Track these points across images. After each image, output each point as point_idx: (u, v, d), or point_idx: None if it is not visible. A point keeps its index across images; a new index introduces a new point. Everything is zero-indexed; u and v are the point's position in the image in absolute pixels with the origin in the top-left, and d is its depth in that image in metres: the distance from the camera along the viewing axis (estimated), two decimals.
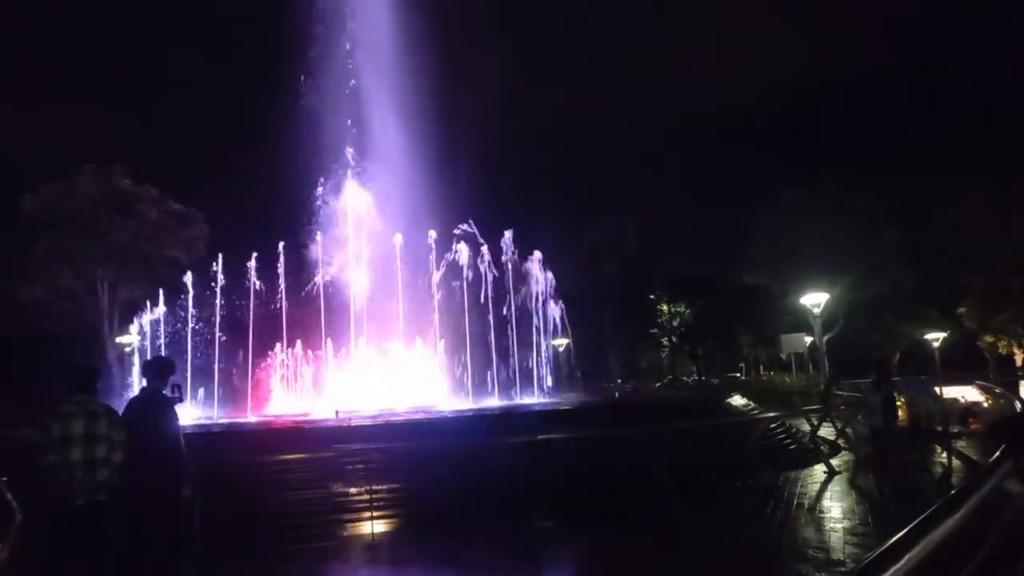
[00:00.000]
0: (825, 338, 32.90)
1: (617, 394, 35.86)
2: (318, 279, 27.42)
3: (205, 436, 13.18)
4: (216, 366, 26.11)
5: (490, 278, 27.99)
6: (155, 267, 37.71)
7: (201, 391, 25.91)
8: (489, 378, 27.44)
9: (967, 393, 21.44)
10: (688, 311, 61.50)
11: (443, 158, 29.59)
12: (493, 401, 24.90)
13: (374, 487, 9.63)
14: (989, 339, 40.13)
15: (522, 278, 29.37)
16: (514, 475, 9.33)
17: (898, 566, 1.71)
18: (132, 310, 32.21)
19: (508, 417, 15.52)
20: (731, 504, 9.89)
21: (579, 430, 12.43)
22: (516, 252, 29.12)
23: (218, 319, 26.82)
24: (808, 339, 34.50)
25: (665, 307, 62.54)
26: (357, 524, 9.35)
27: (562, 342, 41.93)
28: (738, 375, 61.25)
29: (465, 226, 27.89)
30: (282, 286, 26.95)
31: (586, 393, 32.06)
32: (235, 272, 26.86)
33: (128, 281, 38.12)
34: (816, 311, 27.24)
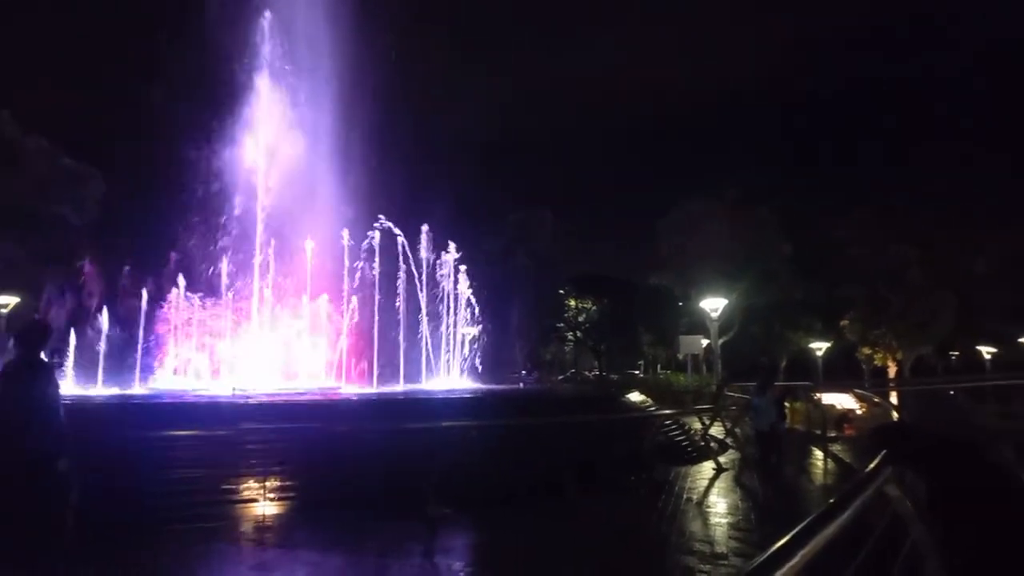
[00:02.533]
0: (720, 341, 34.42)
1: (521, 385, 36.25)
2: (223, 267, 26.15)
3: (88, 408, 12.39)
4: (104, 335, 24.53)
5: (403, 265, 27.69)
6: (42, 226, 34.94)
7: (87, 361, 24.30)
8: (395, 364, 27.16)
9: (844, 400, 22.94)
10: (594, 308, 62.95)
11: (356, 144, 28.79)
12: (398, 387, 24.64)
13: (268, 469, 9.33)
14: (867, 351, 43.09)
15: (435, 268, 29.26)
16: (414, 461, 9.26)
17: (792, 563, 1.76)
18: (11, 271, 29.73)
19: (411, 403, 15.40)
20: (625, 496, 10.20)
21: (482, 419, 12.48)
22: (432, 242, 28.95)
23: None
24: (704, 341, 35.97)
25: (573, 303, 63.75)
26: (248, 506, 9.04)
27: (472, 331, 42.00)
28: (637, 372, 63.17)
29: (382, 217, 27.39)
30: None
31: (503, 383, 32.33)
32: (134, 238, 25.28)
33: (10, 239, 35.18)
34: (714, 315, 28.45)
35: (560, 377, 61.36)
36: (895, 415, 9.51)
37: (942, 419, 3.04)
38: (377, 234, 26.99)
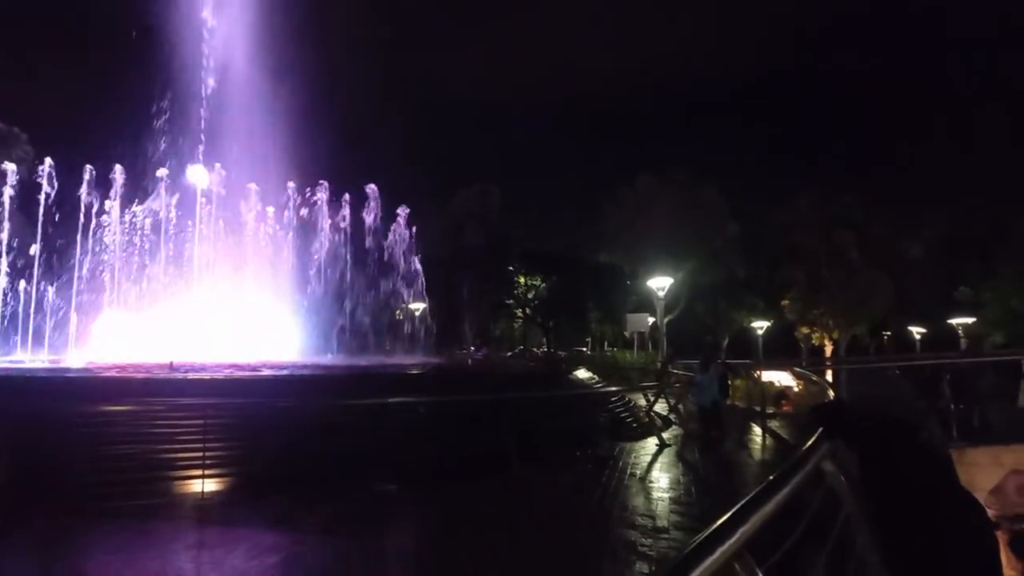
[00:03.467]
0: (666, 319, 35.10)
1: (469, 361, 36.29)
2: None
3: (18, 380, 11.86)
4: (31, 304, 23.48)
5: (350, 240, 27.27)
6: None
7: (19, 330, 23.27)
8: (341, 337, 26.82)
9: (782, 378, 23.68)
10: (544, 285, 63.19)
11: (306, 114, 28.01)
12: (344, 361, 24.35)
13: (207, 444, 9.09)
14: (805, 330, 44.55)
15: (385, 243, 28.89)
16: (359, 437, 9.17)
17: (735, 537, 1.77)
18: None
19: (357, 378, 15.23)
20: (570, 471, 10.31)
21: (429, 394, 12.42)
22: (379, 208, 28.52)
23: (38, 252, 24.05)
24: (651, 319, 36.60)
25: (523, 279, 63.86)
26: (186, 482, 8.80)
27: (419, 306, 41.73)
28: (585, 349, 63.90)
29: (324, 183, 26.80)
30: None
31: (445, 358, 32.22)
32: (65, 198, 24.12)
33: None
34: (660, 293, 28.91)
35: (509, 353, 61.60)
36: (831, 393, 9.82)
37: (875, 397, 3.16)
38: (324, 206, 26.47)
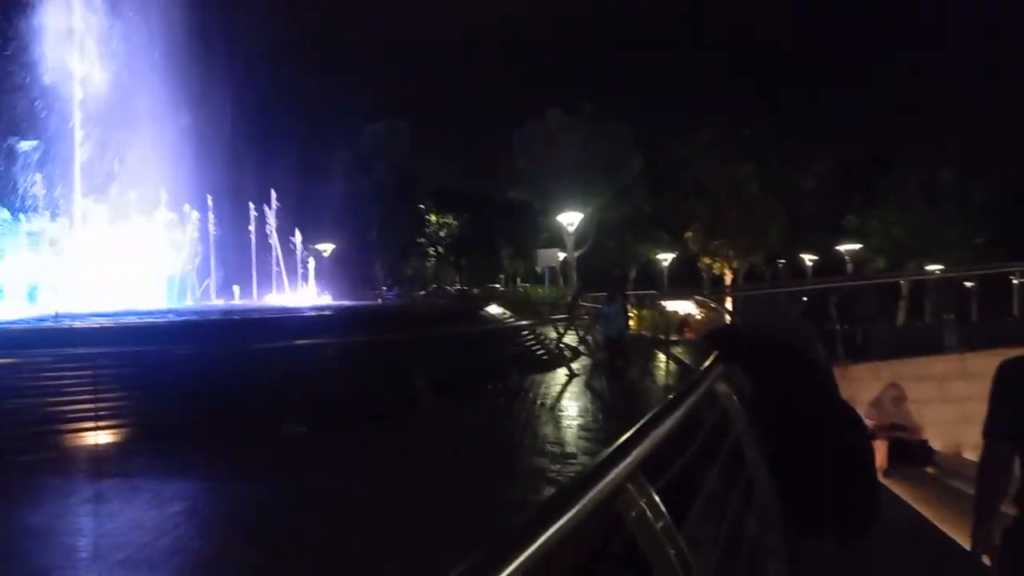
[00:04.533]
0: (576, 254, 35.69)
1: (380, 300, 35.89)
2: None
3: None
4: None
5: (248, 177, 25.91)
6: None
7: None
8: (243, 281, 25.81)
9: (685, 307, 24.67)
10: (455, 223, 62.75)
11: (193, 50, 25.96)
12: (247, 304, 23.52)
13: (99, 395, 8.63)
14: (707, 261, 46.33)
15: (286, 181, 27.65)
16: (266, 382, 8.92)
17: (629, 460, 1.78)
18: None
19: (262, 321, 14.76)
20: (482, 405, 10.45)
21: (338, 336, 12.20)
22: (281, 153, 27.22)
23: None
24: (561, 254, 37.08)
25: (434, 218, 63.14)
26: (79, 435, 8.36)
27: (327, 247, 40.61)
28: (498, 286, 64.38)
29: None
30: None
31: (359, 298, 31.68)
32: None
33: None
34: (570, 228, 29.27)
35: (422, 292, 61.31)
36: (728, 319, 10.29)
37: (767, 321, 3.31)
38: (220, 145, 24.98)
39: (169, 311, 18.84)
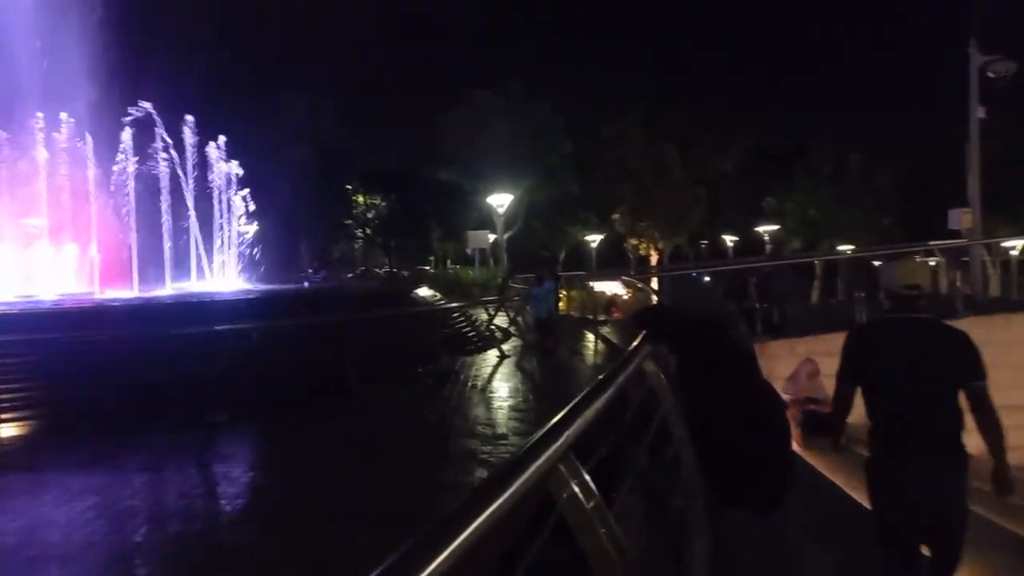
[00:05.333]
0: (506, 235, 35.75)
1: (307, 284, 35.04)
2: None
3: None
4: None
5: (164, 155, 24.62)
6: None
7: None
8: (160, 266, 24.66)
9: (613, 287, 25.12)
10: (384, 204, 61.74)
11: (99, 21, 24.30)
12: (165, 290, 22.51)
13: (7, 385, 8.13)
14: (633, 242, 47.28)
15: (205, 158, 26.46)
16: (185, 369, 8.58)
17: (560, 442, 1.80)
18: None
19: (181, 307, 14.18)
20: (412, 388, 10.38)
21: (263, 320, 11.84)
22: (199, 129, 25.99)
23: None
24: (492, 236, 37.09)
25: (361, 199, 61.91)
26: None
27: (249, 229, 39.29)
28: (428, 268, 63.88)
29: (145, 105, 23.76)
30: None
31: (280, 282, 30.80)
32: None
33: None
34: (500, 210, 29.29)
35: (350, 275, 60.26)
36: (654, 298, 10.54)
37: (691, 300, 3.41)
38: (130, 119, 23.62)
39: (86, 297, 17.89)
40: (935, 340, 3.46)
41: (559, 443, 1.80)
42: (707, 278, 14.24)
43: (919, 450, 3.28)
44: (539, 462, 1.68)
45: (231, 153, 27.49)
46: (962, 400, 3.35)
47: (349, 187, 59.87)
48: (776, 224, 47.42)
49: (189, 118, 25.71)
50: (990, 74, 19.14)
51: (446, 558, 1.10)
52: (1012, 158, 40.71)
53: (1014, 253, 19.86)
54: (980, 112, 19.68)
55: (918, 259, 6.47)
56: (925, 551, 3.45)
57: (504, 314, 15.94)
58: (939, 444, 3.29)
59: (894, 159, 47.20)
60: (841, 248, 39.77)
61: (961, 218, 19.30)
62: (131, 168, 23.33)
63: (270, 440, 7.46)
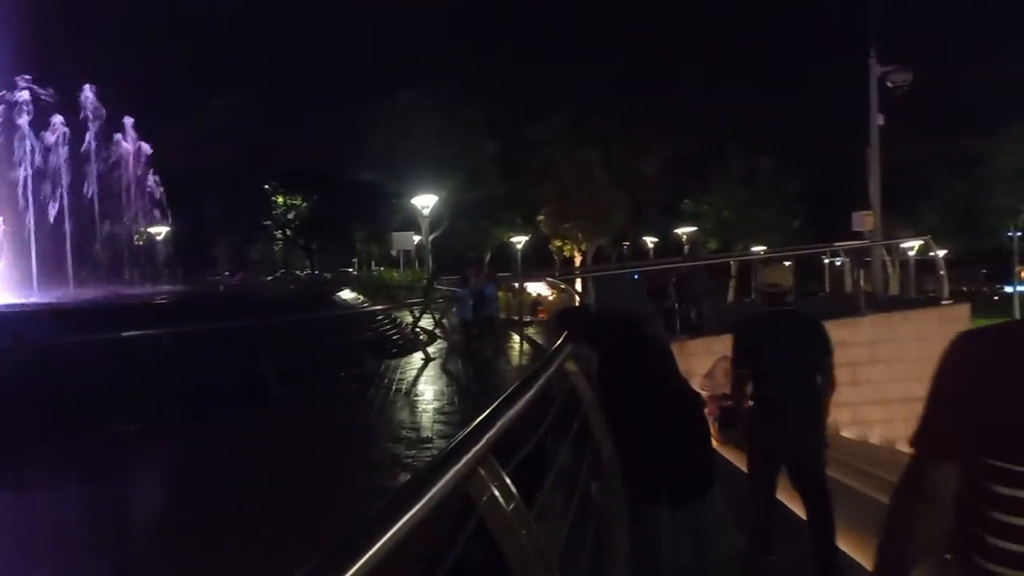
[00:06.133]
0: (431, 237, 35.42)
1: (223, 287, 33.82)
2: None
3: None
4: None
5: (68, 148, 23.24)
6: None
7: None
8: (62, 269, 23.26)
9: (538, 288, 25.36)
10: (305, 205, 60.32)
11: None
12: (66, 294, 21.26)
13: None
14: (558, 243, 47.83)
15: (109, 150, 25.11)
16: (91, 377, 8.13)
17: (479, 445, 1.79)
18: None
19: (85, 312, 13.42)
20: (334, 393, 10.16)
21: (175, 325, 11.33)
22: (107, 126, 24.65)
23: None
24: (416, 237, 36.72)
25: (281, 199, 60.29)
26: None
27: (161, 230, 37.62)
28: (351, 270, 62.75)
29: (29, 83, 22.30)
30: None
31: (188, 285, 29.52)
32: None
33: None
34: (425, 211, 29.00)
35: (269, 277, 58.53)
36: (577, 299, 10.68)
37: (611, 300, 3.50)
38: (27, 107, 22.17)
39: None
40: (797, 327, 4.33)
41: (478, 447, 1.79)
42: (636, 276, 14.54)
43: (790, 413, 4.12)
44: (457, 466, 1.66)
45: (143, 150, 26.24)
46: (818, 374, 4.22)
47: (268, 187, 58.23)
48: (694, 225, 48.97)
49: (87, 90, 24.21)
50: (888, 83, 20.35)
51: (360, 567, 1.08)
52: (909, 163, 43.43)
53: (911, 254, 21.30)
54: (880, 119, 20.90)
55: (781, 264, 7.18)
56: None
57: (429, 316, 15.82)
58: (804, 408, 4.15)
59: (803, 163, 49.62)
60: (755, 248, 41.45)
61: (863, 220, 20.41)
62: (31, 168, 21.96)
63: (184, 448, 7.14)
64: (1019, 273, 56.19)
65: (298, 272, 64.25)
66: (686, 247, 46.44)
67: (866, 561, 3.82)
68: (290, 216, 61.07)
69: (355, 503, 4.41)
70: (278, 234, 62.90)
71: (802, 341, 4.26)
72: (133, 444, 7.36)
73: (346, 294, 19.94)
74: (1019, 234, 50.73)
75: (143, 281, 26.82)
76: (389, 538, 1.35)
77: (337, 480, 5.39)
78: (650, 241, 53.23)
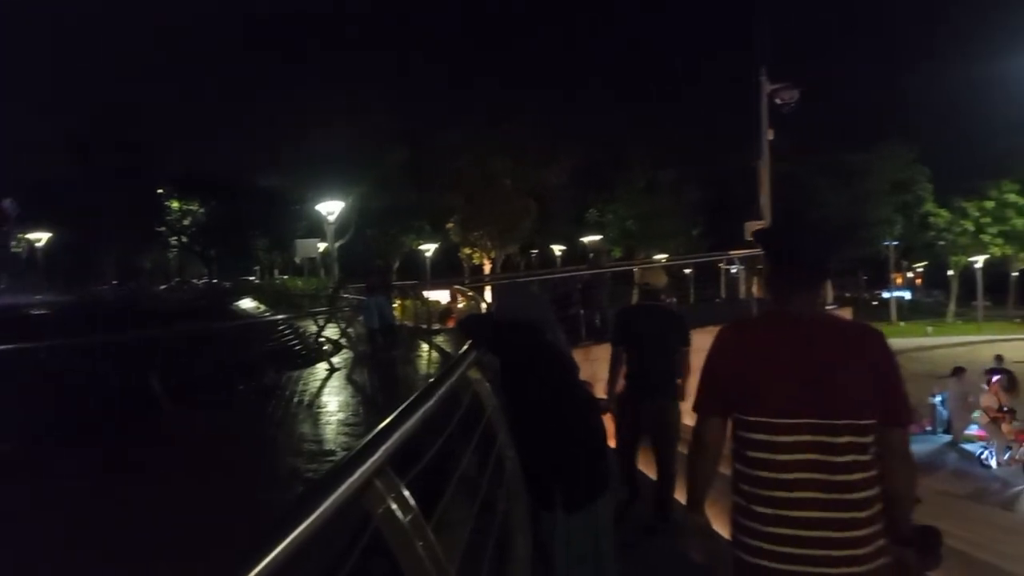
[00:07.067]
0: (337, 244, 34.66)
1: (111, 297, 31.86)
2: None
3: None
4: None
5: None
6: None
7: None
8: None
9: (447, 296, 25.23)
10: (202, 211, 57.85)
11: None
12: None
13: None
14: (467, 251, 47.86)
15: None
16: None
17: (375, 458, 1.78)
18: None
19: None
20: (232, 406, 9.75)
21: (56, 337, 10.58)
22: None
23: None
24: (322, 245, 35.86)
25: (176, 204, 57.58)
26: None
27: (42, 236, 35.14)
28: (253, 278, 60.55)
29: None
30: None
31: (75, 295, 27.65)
32: None
33: None
34: (330, 218, 28.37)
35: (163, 286, 55.70)
36: (484, 307, 10.72)
37: (516, 307, 3.58)
38: None
39: None
40: (663, 319, 5.30)
41: (374, 459, 1.76)
42: (532, 285, 14.71)
43: (654, 384, 5.08)
44: (351, 479, 1.63)
45: (29, 154, 24.40)
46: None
47: (161, 191, 55.41)
48: (599, 234, 50.21)
49: None
50: (777, 100, 21.61)
51: None
52: (796, 176, 46.17)
53: None
54: (770, 134, 22.15)
55: (656, 268, 8.63)
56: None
57: (335, 325, 15.46)
58: (665, 381, 5.08)
59: (701, 175, 51.85)
60: (657, 256, 42.89)
61: (755, 229, 21.50)
62: None
63: (64, 468, 6.64)
64: (895, 280, 60.85)
65: (195, 281, 61.44)
66: (591, 255, 47.52)
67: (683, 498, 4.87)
68: (186, 222, 58.40)
69: (248, 521, 4.23)
70: (173, 241, 59.99)
71: (665, 330, 5.21)
72: (5, 466, 6.79)
73: (246, 303, 19.23)
74: (895, 244, 54.95)
75: (20, 291, 24.90)
76: (276, 555, 1.31)
77: (229, 497, 5.15)
78: (558, 249, 54.15)
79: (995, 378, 14.34)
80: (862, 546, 1.89)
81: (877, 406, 1.96)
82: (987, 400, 13.93)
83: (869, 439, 1.94)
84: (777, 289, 2.13)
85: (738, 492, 2.07)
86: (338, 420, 8.24)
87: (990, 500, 11.71)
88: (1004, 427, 13.15)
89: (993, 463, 13.03)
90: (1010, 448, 12.93)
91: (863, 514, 1.91)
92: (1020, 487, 11.68)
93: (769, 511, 1.95)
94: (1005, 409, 13.42)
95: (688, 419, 5.23)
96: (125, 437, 7.59)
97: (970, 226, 49.36)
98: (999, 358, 16.69)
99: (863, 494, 1.92)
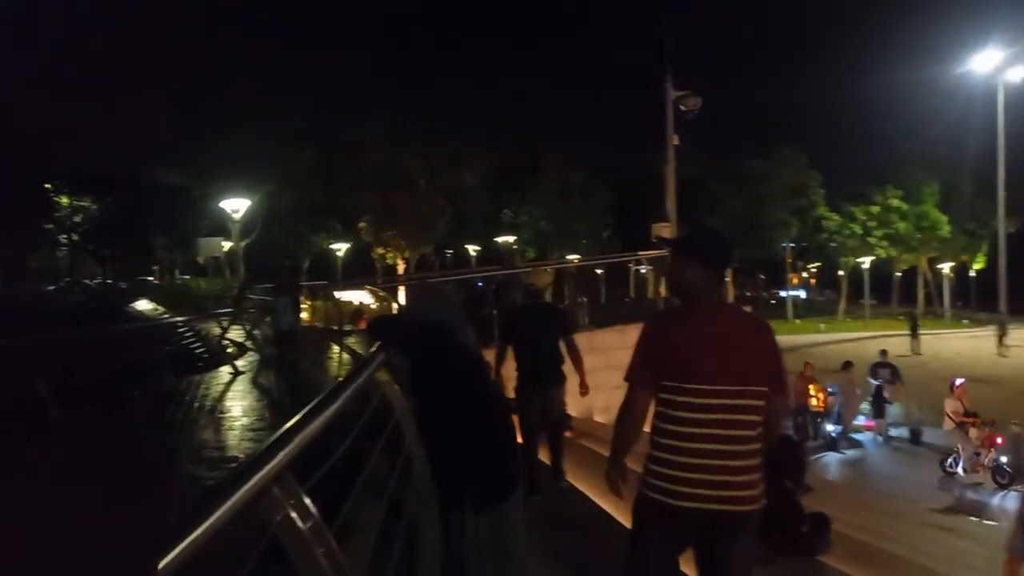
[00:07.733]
0: (243, 243, 33.41)
1: None
2: None
3: None
4: None
5: None
6: None
7: None
8: None
9: (359, 296, 24.75)
10: (95, 208, 54.49)
11: None
12: None
13: None
14: (380, 251, 47.17)
15: None
16: None
17: (272, 464, 1.73)
18: None
19: None
20: (126, 413, 9.23)
21: None
22: None
23: None
24: (226, 244, 34.46)
25: (65, 200, 53.98)
26: None
27: None
28: (152, 279, 57.47)
29: None
30: None
31: None
32: None
33: None
34: (236, 216, 27.33)
35: (51, 287, 52.19)
36: (395, 307, 10.60)
37: (426, 308, 3.57)
38: None
39: None
40: (547, 314, 6.06)
41: (271, 465, 1.71)
42: (480, 283, 14.65)
43: (541, 376, 5.69)
44: (247, 487, 1.58)
45: None
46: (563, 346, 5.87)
47: (49, 186, 51.81)
48: (514, 235, 50.58)
49: None
50: (682, 107, 22.42)
51: None
52: (699, 179, 48.02)
53: None
54: (675, 139, 22.94)
55: (541, 270, 8.87)
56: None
57: (240, 327, 14.89)
58: (551, 373, 5.72)
59: (611, 178, 53.08)
60: (570, 256, 43.62)
61: (661, 231, 22.23)
62: None
63: None
64: (791, 280, 64.27)
65: (87, 281, 57.80)
66: (504, 255, 47.81)
67: (587, 489, 5.93)
68: (77, 219, 54.89)
69: (138, 533, 4.02)
70: (63, 239, 56.23)
71: (550, 324, 5.88)
72: None
73: (143, 305, 18.25)
74: (791, 245, 58.02)
75: None
76: (167, 565, 1.26)
77: (123, 507, 4.88)
78: (472, 250, 54.17)
79: (958, 382, 13.89)
80: (748, 473, 2.52)
81: (771, 379, 2.58)
82: (952, 405, 13.51)
83: (762, 403, 2.55)
84: (699, 286, 2.61)
85: (656, 446, 2.57)
86: (242, 425, 7.96)
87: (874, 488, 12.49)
88: (972, 432, 12.65)
89: (959, 469, 12.55)
90: (978, 454, 12.41)
91: (751, 455, 2.55)
92: (986, 496, 11.65)
93: (684, 459, 2.49)
94: (970, 414, 13.05)
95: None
96: (7, 450, 7.05)
97: (858, 229, 52.74)
98: (884, 352, 17.78)
99: (752, 445, 2.54)
